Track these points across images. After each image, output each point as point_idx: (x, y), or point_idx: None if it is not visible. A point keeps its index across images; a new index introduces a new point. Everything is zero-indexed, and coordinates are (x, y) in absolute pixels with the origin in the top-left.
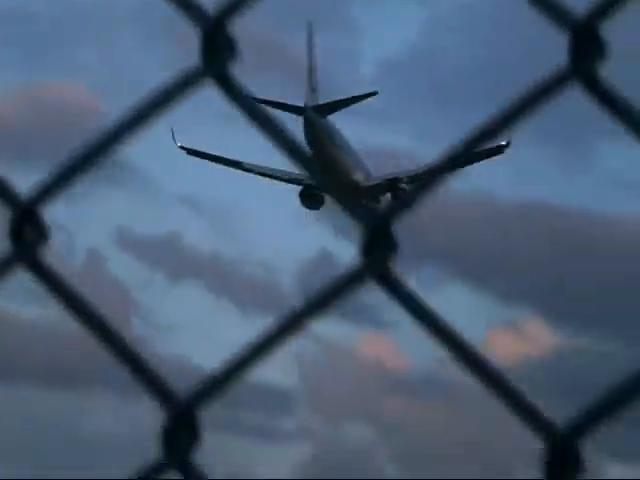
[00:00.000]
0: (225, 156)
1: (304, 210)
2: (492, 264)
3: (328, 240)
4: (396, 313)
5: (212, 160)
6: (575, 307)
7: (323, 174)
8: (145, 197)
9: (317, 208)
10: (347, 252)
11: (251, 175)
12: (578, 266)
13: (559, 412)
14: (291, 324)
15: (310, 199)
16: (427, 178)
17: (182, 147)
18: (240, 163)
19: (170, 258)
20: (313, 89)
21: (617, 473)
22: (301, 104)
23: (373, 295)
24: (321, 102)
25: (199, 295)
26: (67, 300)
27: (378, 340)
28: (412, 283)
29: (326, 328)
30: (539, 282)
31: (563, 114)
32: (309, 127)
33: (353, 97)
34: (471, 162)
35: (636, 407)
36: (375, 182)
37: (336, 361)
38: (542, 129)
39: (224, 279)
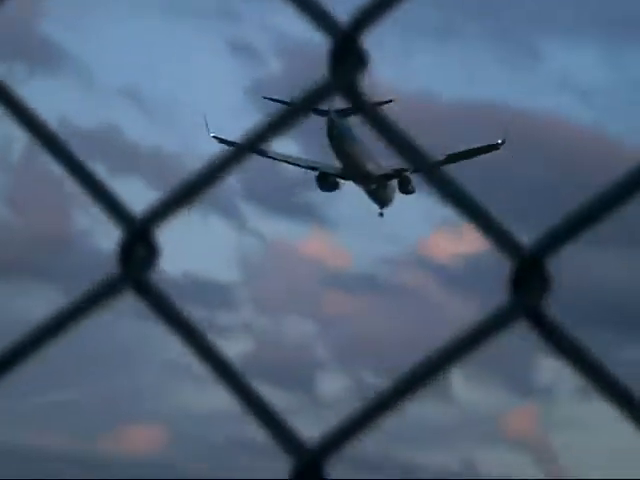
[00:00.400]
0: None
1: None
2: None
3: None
4: (337, 211)
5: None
6: (519, 203)
7: (343, 164)
8: (83, 88)
9: (331, 190)
10: (289, 152)
11: (191, 69)
12: (523, 166)
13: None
14: (432, 370)
15: (325, 182)
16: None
17: (215, 137)
18: (266, 152)
19: (109, 151)
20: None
21: None
22: (325, 107)
23: (315, 193)
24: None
25: (139, 189)
26: (177, 326)
27: (320, 237)
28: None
29: (268, 225)
30: (483, 180)
31: None
32: (331, 127)
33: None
34: (468, 158)
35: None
36: (384, 171)
37: (278, 257)
38: None
39: (164, 173)
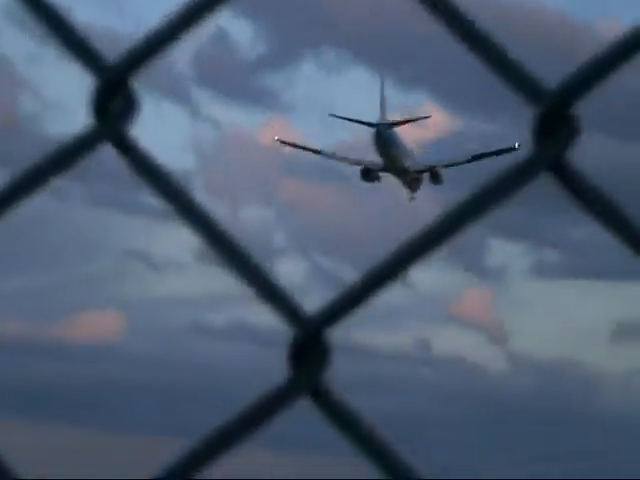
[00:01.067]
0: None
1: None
2: (393, 52)
3: (226, 20)
4: (294, 96)
5: (299, 148)
6: (468, 90)
7: (384, 162)
8: None
9: (372, 182)
10: (242, 33)
11: None
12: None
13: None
14: (443, 233)
15: (368, 176)
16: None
17: (278, 140)
18: (320, 151)
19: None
20: (382, 111)
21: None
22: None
23: (270, 79)
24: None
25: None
26: (160, 186)
27: (276, 123)
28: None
29: (224, 111)
30: (435, 68)
31: None
32: (378, 136)
33: (409, 119)
34: (484, 157)
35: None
36: (419, 168)
37: (234, 145)
38: None
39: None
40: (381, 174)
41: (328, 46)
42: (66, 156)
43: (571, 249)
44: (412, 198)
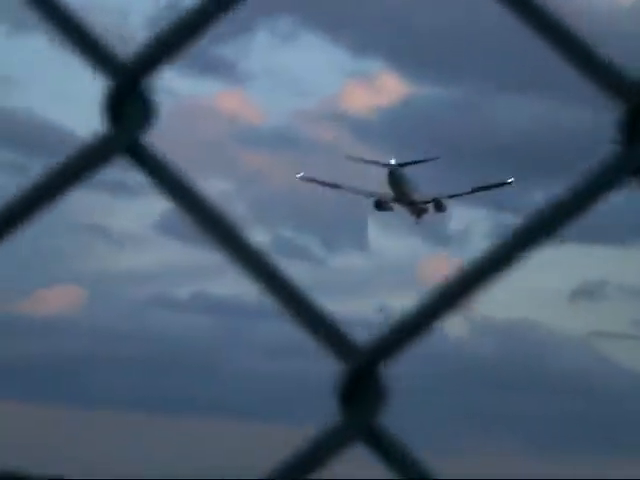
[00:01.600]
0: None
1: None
2: (347, 15)
3: None
4: (249, 65)
5: (320, 184)
6: (424, 56)
7: (395, 195)
8: None
9: (385, 211)
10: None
11: None
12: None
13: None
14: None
15: (380, 206)
16: None
17: (301, 177)
18: (339, 185)
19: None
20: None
21: None
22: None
23: (225, 47)
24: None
25: (44, 46)
26: (180, 198)
27: (232, 95)
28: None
29: (178, 81)
30: (391, 34)
31: None
32: (391, 175)
33: (418, 161)
34: (483, 190)
35: None
36: (425, 199)
37: (189, 114)
38: None
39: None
40: (392, 205)
41: (282, 14)
42: (77, 169)
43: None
44: (418, 222)
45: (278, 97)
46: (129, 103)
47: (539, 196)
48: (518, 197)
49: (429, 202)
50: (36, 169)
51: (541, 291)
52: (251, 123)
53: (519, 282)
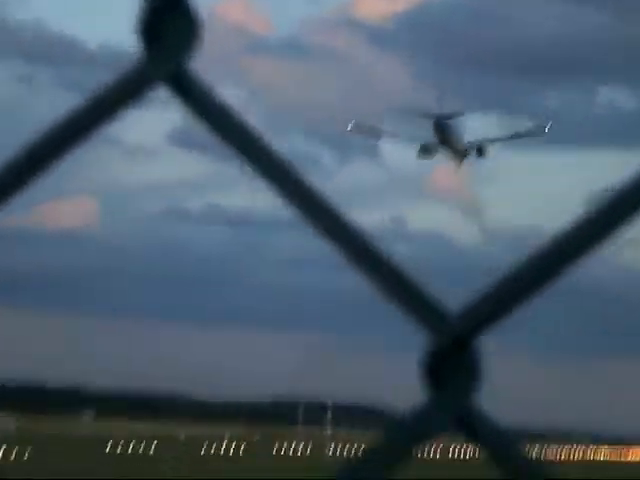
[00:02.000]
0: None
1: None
2: None
3: None
4: None
5: (368, 133)
6: None
7: (440, 142)
8: None
9: (429, 158)
10: None
11: None
12: None
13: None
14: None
15: (424, 152)
16: None
17: (351, 129)
18: (384, 133)
19: None
20: (440, 105)
21: None
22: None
23: None
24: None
25: None
26: (228, 134)
27: (240, 2)
28: None
29: None
30: None
31: None
32: (437, 126)
33: (458, 112)
34: (520, 137)
35: None
36: (468, 145)
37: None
38: None
39: None
40: (437, 150)
41: None
42: (109, 103)
43: (544, 117)
44: (458, 169)
45: (285, 5)
46: (170, 20)
47: (552, 97)
48: (530, 100)
49: (471, 148)
50: (44, 78)
51: (555, 198)
52: (260, 32)
53: (533, 189)
